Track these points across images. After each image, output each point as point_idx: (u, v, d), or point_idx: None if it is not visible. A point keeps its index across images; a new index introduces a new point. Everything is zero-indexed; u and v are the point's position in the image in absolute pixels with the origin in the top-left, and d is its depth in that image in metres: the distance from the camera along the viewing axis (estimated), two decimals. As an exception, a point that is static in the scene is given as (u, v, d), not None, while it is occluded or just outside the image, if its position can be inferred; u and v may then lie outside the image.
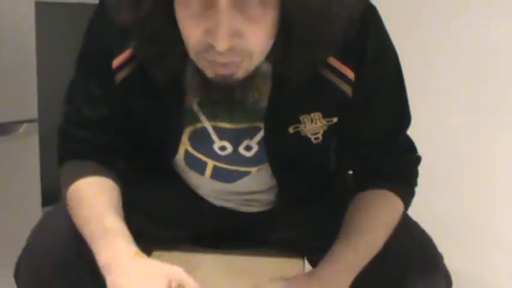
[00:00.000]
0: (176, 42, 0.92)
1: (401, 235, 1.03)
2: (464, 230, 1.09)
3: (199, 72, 0.95)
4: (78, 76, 1.08)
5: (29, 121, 1.78)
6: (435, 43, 1.84)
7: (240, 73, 0.91)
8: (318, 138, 1.06)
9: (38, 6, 1.77)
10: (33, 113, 1.78)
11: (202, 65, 0.92)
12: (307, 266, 1.22)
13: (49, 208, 1.08)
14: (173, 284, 0.86)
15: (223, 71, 0.90)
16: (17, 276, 1.01)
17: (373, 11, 1.02)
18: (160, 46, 0.94)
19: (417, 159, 1.13)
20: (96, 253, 0.90)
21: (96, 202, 0.98)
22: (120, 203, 1.02)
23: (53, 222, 1.01)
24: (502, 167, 1.78)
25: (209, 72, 0.92)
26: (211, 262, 1.19)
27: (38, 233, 1.00)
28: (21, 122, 1.76)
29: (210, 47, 0.86)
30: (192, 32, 0.87)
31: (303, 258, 1.22)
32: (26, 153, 1.78)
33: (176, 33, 0.91)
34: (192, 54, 0.91)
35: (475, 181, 1.80)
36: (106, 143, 1.07)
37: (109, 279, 0.87)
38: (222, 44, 0.84)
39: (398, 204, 1.07)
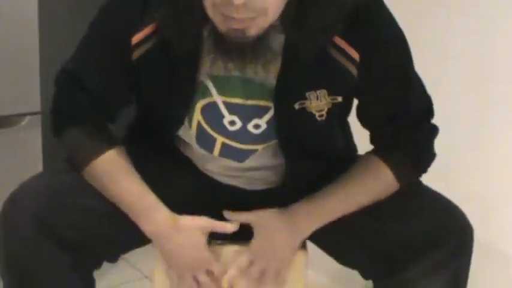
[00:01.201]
0: (195, 2, 0.97)
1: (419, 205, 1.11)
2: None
3: (214, 32, 0.99)
4: (89, 44, 1.12)
5: (32, 114, 1.79)
6: (434, 40, 1.84)
7: (253, 30, 0.96)
8: (322, 115, 1.09)
9: (41, -2, 1.76)
10: (36, 105, 1.79)
11: (217, 19, 0.96)
12: (311, 260, 1.22)
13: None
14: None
15: (237, 26, 0.94)
16: None
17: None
18: (180, 6, 1.00)
19: (428, 131, 1.15)
20: (141, 223, 1.10)
21: (128, 177, 1.11)
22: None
23: (33, 183, 1.09)
24: (501, 165, 1.77)
25: (223, 27, 0.96)
26: (215, 253, 1.19)
27: (20, 189, 1.07)
28: (24, 115, 1.77)
29: (226, 1, 0.91)
30: None
31: (306, 249, 1.22)
32: (29, 146, 1.79)
33: None
34: (209, 8, 0.95)
35: (473, 178, 1.80)
36: (106, 112, 1.15)
37: (159, 246, 1.12)
38: None
39: (384, 171, 1.12)
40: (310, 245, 1.24)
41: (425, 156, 1.15)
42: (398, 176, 1.12)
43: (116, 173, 1.10)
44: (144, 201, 1.10)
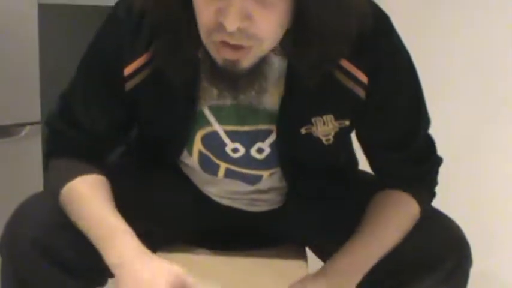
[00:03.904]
0: (191, 28, 0.94)
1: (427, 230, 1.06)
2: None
3: (209, 60, 0.96)
4: (79, 79, 1.09)
5: (32, 123, 1.79)
6: (437, 41, 1.84)
7: (246, 61, 0.92)
8: (329, 139, 1.06)
9: (41, 9, 1.77)
10: (36, 115, 1.79)
11: (212, 48, 0.93)
12: (311, 269, 1.22)
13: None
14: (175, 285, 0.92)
15: (231, 56, 0.90)
16: (1, 248, 1.03)
17: (385, 18, 1.03)
18: (176, 32, 0.96)
19: (437, 161, 1.13)
20: (104, 251, 0.96)
21: (95, 201, 1.02)
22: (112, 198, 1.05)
23: (33, 204, 1.05)
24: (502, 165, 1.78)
25: (217, 57, 0.93)
26: (214, 264, 1.19)
27: (21, 210, 1.04)
28: (23, 125, 1.78)
29: (221, 27, 0.87)
30: (205, 11, 0.89)
31: (306, 260, 1.22)
32: (29, 155, 1.79)
33: (192, 17, 0.92)
34: (204, 36, 0.92)
35: (474, 179, 1.81)
36: (95, 145, 1.10)
37: (118, 277, 0.94)
38: (231, 24, 0.85)
39: (414, 206, 1.08)
40: (309, 254, 1.24)
41: (435, 186, 1.14)
42: (422, 209, 1.09)
43: (82, 198, 1.02)
44: (107, 226, 0.97)
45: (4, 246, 1.03)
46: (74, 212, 1.01)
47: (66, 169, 1.07)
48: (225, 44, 0.89)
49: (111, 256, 0.95)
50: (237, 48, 0.90)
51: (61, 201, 1.03)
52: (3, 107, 1.73)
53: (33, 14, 1.74)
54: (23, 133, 1.77)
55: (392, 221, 1.07)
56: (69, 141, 1.09)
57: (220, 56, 0.92)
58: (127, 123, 1.12)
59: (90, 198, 1.02)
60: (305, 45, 0.94)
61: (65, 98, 1.10)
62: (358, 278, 1.03)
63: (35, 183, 1.80)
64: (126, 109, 1.08)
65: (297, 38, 0.94)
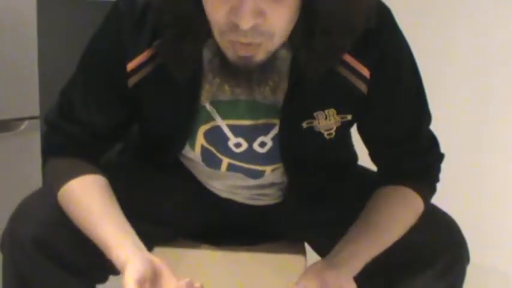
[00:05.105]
0: (198, 24, 0.94)
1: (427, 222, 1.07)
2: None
3: (219, 55, 0.96)
4: (79, 74, 1.09)
5: (31, 118, 1.79)
6: (437, 41, 1.85)
7: (260, 56, 0.93)
8: (331, 134, 1.07)
9: (40, 3, 1.77)
10: (35, 110, 1.79)
11: (225, 46, 0.93)
12: (309, 264, 1.22)
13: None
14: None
15: (244, 52, 0.91)
16: (2, 246, 1.04)
17: (387, 12, 1.03)
18: (182, 28, 0.96)
19: (439, 157, 1.14)
20: (111, 257, 0.95)
21: (90, 208, 1.01)
22: (115, 198, 1.04)
23: (34, 202, 1.06)
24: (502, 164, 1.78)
25: (230, 54, 0.93)
26: (213, 259, 1.19)
27: (22, 208, 1.05)
28: (22, 119, 1.78)
29: (234, 27, 0.88)
30: (217, 11, 0.89)
31: (305, 256, 1.22)
32: (28, 150, 1.79)
33: (199, 14, 0.92)
34: (217, 35, 0.93)
35: (474, 177, 1.81)
36: (94, 142, 1.10)
37: None
38: (245, 23, 0.86)
39: (418, 203, 1.09)
40: (308, 250, 1.24)
41: (437, 181, 1.14)
42: (425, 204, 1.09)
43: (78, 203, 1.02)
44: (103, 241, 0.98)
45: (5, 244, 1.03)
46: (71, 214, 1.02)
47: (64, 169, 1.07)
48: (238, 42, 0.90)
49: (114, 261, 0.95)
50: (250, 44, 0.90)
51: (59, 201, 1.04)
52: (2, 102, 1.73)
53: (32, 8, 1.74)
54: (22, 127, 1.77)
55: (399, 221, 1.07)
56: (68, 138, 1.08)
57: (235, 53, 0.92)
58: (127, 120, 1.12)
59: (85, 204, 1.01)
60: (312, 38, 0.94)
61: (65, 93, 1.10)
62: (360, 267, 1.03)
63: (34, 178, 1.80)
64: (126, 105, 1.08)
65: (304, 31, 0.94)
